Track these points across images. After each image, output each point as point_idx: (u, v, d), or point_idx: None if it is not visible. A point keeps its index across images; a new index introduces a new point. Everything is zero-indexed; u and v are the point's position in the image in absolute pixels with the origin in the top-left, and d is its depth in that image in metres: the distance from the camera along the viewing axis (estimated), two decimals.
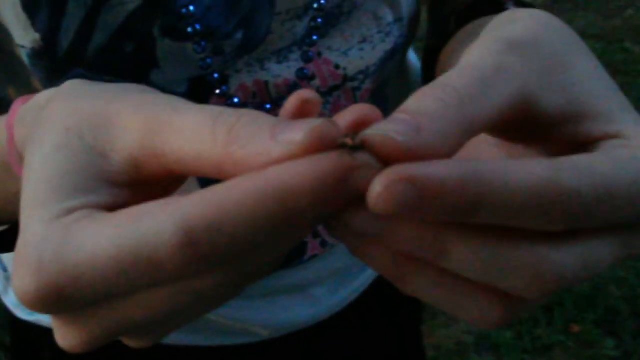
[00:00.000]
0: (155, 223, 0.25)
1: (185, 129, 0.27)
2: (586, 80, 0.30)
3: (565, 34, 0.31)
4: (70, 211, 0.28)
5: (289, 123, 0.26)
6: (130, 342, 0.31)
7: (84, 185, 0.29)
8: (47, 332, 0.72)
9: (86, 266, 0.26)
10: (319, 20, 0.56)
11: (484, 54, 0.28)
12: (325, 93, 0.59)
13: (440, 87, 0.27)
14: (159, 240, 0.25)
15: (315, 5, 0.55)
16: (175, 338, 0.71)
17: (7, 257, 0.75)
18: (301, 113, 0.28)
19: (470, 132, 0.26)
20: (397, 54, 0.62)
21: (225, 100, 0.56)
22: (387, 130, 0.24)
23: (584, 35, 3.15)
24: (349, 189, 0.24)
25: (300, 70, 0.57)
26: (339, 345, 0.79)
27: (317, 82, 0.58)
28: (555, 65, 0.29)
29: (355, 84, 0.60)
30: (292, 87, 0.57)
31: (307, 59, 0.57)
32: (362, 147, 0.25)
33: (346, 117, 0.27)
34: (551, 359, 2.01)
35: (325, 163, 0.24)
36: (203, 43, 0.53)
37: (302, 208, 0.24)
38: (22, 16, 0.50)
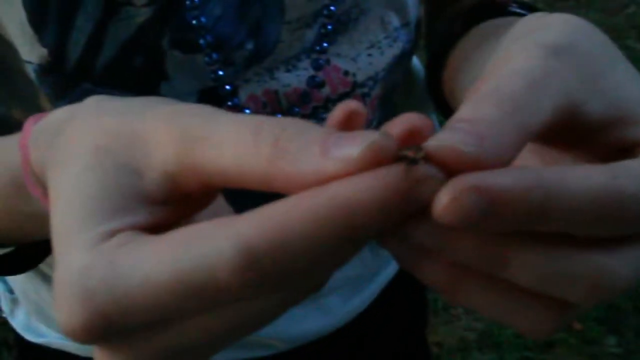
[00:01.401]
0: (212, 246, 0.24)
1: (223, 142, 0.27)
2: (626, 85, 0.30)
3: (601, 39, 0.31)
4: (110, 234, 0.27)
5: (340, 136, 0.25)
6: None
7: (121, 206, 0.28)
8: (56, 354, 0.72)
9: (139, 293, 0.26)
10: (329, 26, 0.56)
11: (530, 59, 0.28)
12: (335, 100, 0.58)
13: (495, 94, 0.26)
14: (217, 264, 0.24)
15: (325, 12, 0.55)
16: None
17: (13, 280, 0.75)
18: (347, 125, 0.28)
19: (525, 139, 0.26)
20: (404, 59, 0.62)
21: (237, 112, 0.55)
22: (451, 141, 0.24)
23: None
24: (413, 201, 0.24)
25: (311, 78, 0.57)
26: (351, 353, 0.79)
27: (327, 89, 0.57)
28: (595, 70, 0.29)
29: (365, 90, 0.59)
30: (302, 96, 0.57)
31: (317, 67, 0.57)
32: (423, 159, 0.24)
33: (397, 127, 0.26)
34: (553, 357, 2.01)
35: (391, 177, 0.23)
36: (214, 55, 0.53)
37: (368, 224, 0.23)
38: (29, 31, 0.49)
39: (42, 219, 0.36)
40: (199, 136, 0.27)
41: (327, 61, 0.57)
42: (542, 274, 0.26)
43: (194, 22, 0.51)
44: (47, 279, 0.68)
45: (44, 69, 0.51)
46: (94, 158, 0.29)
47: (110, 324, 0.26)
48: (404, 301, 0.83)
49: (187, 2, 0.51)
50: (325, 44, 0.56)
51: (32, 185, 0.35)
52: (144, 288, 0.25)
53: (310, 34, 0.56)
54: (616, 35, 3.23)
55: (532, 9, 0.56)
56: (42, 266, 0.67)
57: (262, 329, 0.29)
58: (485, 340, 2.06)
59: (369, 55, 0.58)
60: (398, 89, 0.65)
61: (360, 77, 0.59)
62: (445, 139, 0.24)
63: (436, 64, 0.60)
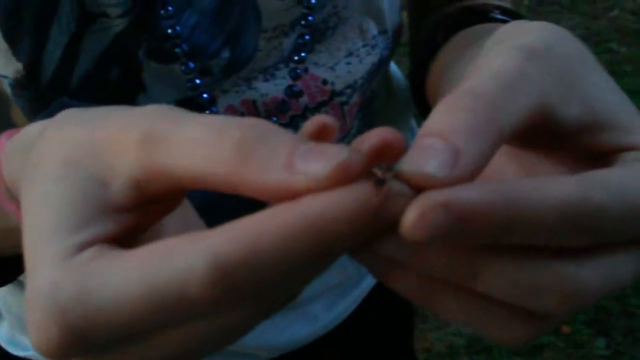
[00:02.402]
0: (185, 260, 0.24)
1: (187, 143, 0.26)
2: (602, 91, 0.30)
3: (577, 45, 0.31)
4: (79, 248, 0.27)
5: (307, 150, 0.24)
6: None
7: (88, 217, 0.28)
8: None
9: (110, 309, 0.25)
10: (307, 36, 0.56)
11: (507, 60, 0.28)
12: (313, 109, 0.58)
13: (469, 95, 0.26)
14: (190, 279, 0.24)
15: (303, 22, 0.55)
16: None
17: None
18: (318, 139, 0.27)
19: (499, 141, 0.26)
20: (383, 66, 0.62)
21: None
22: (425, 166, 0.24)
23: None
24: (382, 218, 0.24)
25: (289, 87, 0.57)
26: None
27: (305, 98, 0.58)
28: (571, 75, 0.29)
29: (343, 98, 0.59)
30: (280, 105, 0.57)
31: (295, 76, 0.57)
32: (392, 177, 0.24)
33: (367, 141, 0.25)
34: None
35: (361, 195, 0.24)
36: (190, 64, 0.53)
37: (338, 240, 0.23)
38: (3, 45, 0.49)
39: (19, 234, 0.36)
40: (162, 138, 0.27)
41: (305, 70, 0.57)
42: (511, 285, 0.26)
43: (169, 31, 0.51)
44: None
45: (19, 84, 0.50)
46: (61, 171, 0.29)
47: (84, 340, 0.26)
48: (387, 308, 0.83)
49: (162, 12, 0.50)
50: (303, 54, 0.56)
51: (5, 201, 0.35)
52: (116, 303, 0.25)
53: (288, 43, 0.56)
54: (600, 38, 3.25)
55: (514, 15, 0.56)
56: (25, 279, 0.67)
57: (239, 339, 0.29)
58: (474, 346, 2.06)
59: (348, 63, 0.59)
60: (377, 96, 0.65)
61: (338, 86, 0.59)
62: (416, 164, 0.24)
63: (419, 70, 0.60)
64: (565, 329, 2.06)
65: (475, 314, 0.27)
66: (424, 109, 0.62)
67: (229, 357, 0.70)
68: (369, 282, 0.78)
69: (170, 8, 0.51)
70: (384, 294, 0.80)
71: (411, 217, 0.23)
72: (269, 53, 0.55)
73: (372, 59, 0.60)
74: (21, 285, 0.68)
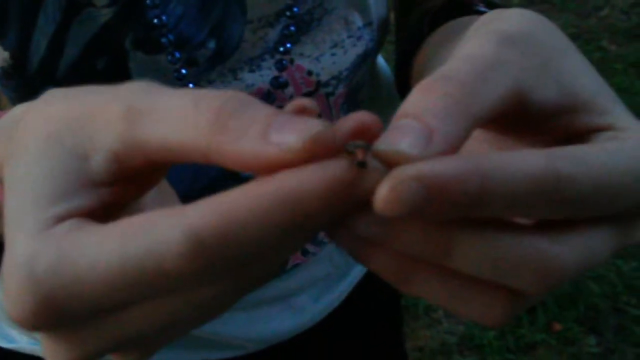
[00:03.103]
0: (161, 233, 0.25)
1: (165, 116, 0.27)
2: (578, 74, 0.30)
3: (554, 30, 0.31)
4: (57, 220, 0.27)
5: (283, 120, 0.25)
6: (121, 357, 0.30)
7: (67, 190, 0.28)
8: (27, 359, 0.72)
9: (87, 280, 0.26)
10: (292, 27, 0.56)
11: (482, 45, 0.28)
12: None
13: (443, 79, 0.27)
14: (167, 251, 0.24)
15: (288, 13, 0.55)
16: (157, 354, 0.71)
17: None
18: None
19: (473, 124, 0.26)
20: (368, 57, 0.63)
21: None
22: (399, 145, 0.24)
23: None
24: (357, 194, 0.24)
25: (275, 78, 0.57)
26: (323, 353, 0.79)
27: (290, 89, 0.58)
28: (547, 59, 0.30)
29: (329, 89, 0.60)
30: (266, 96, 0.57)
31: (281, 67, 0.57)
32: (368, 154, 0.25)
33: (346, 124, 0.26)
34: (534, 358, 2.02)
35: (336, 171, 0.24)
36: (177, 54, 0.53)
37: (313, 215, 0.24)
38: None
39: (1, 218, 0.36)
40: (141, 110, 0.27)
41: (291, 61, 0.57)
42: (484, 261, 0.26)
43: (155, 21, 0.51)
44: None
45: (6, 73, 0.51)
46: (42, 146, 0.29)
47: (59, 311, 0.26)
48: (375, 300, 0.84)
49: (148, 1, 0.51)
50: (288, 45, 0.57)
51: None
52: (92, 275, 0.25)
53: (273, 34, 0.56)
54: (590, 37, 3.26)
55: (499, 8, 0.56)
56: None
57: (216, 317, 0.29)
58: (466, 343, 2.07)
59: (333, 54, 0.59)
60: (363, 88, 0.65)
61: (324, 77, 0.59)
62: (392, 143, 0.24)
63: (404, 62, 0.61)
64: (557, 326, 2.07)
65: (453, 294, 0.28)
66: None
67: (214, 349, 0.71)
68: (356, 274, 0.79)
69: None
70: (371, 286, 0.80)
71: (384, 191, 0.23)
72: (255, 44, 0.55)
73: (357, 50, 0.60)
74: None
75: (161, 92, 0.28)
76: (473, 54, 0.28)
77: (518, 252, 0.26)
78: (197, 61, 0.54)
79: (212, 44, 0.54)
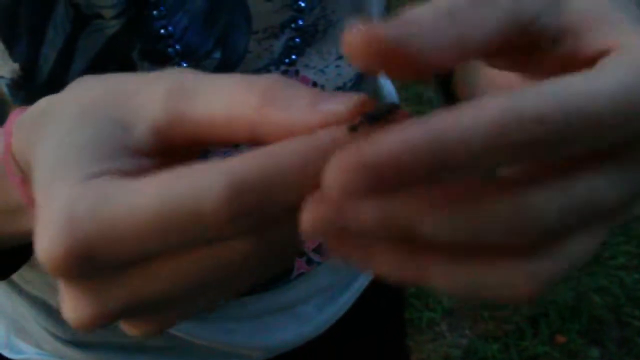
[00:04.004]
0: (203, 177, 0.25)
1: (213, 93, 0.28)
2: None
3: None
4: (99, 175, 0.28)
5: (328, 94, 0.26)
6: (136, 327, 0.30)
7: (110, 153, 0.28)
8: None
9: (125, 223, 0.26)
10: (297, 39, 0.57)
11: None
12: None
13: (430, 10, 0.24)
14: (207, 193, 0.25)
15: (293, 25, 0.56)
16: None
17: None
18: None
19: (465, 52, 0.24)
20: None
21: None
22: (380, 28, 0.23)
23: None
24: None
25: None
26: None
27: None
28: None
29: None
30: None
31: None
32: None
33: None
34: None
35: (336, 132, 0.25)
36: (183, 64, 0.54)
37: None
38: (0, 46, 0.50)
39: (19, 217, 0.36)
40: (189, 87, 0.28)
41: (296, 72, 0.58)
42: (464, 222, 0.24)
43: (162, 31, 0.52)
44: (24, 294, 0.68)
45: (16, 84, 0.51)
46: (80, 117, 0.29)
47: (91, 255, 0.26)
48: (380, 309, 0.84)
49: (155, 12, 0.51)
50: (294, 57, 0.57)
51: (11, 173, 0.35)
52: (130, 218, 0.26)
53: (278, 45, 0.57)
54: None
55: None
56: (20, 282, 0.67)
57: (230, 295, 0.30)
58: (470, 357, 2.06)
59: (337, 66, 0.59)
60: None
61: (328, 88, 0.59)
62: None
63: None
64: (560, 338, 2.07)
65: (463, 272, 0.25)
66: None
67: (222, 358, 0.71)
68: (360, 283, 0.79)
69: (162, 8, 0.52)
70: (375, 296, 0.81)
71: (330, 175, 0.23)
72: (260, 55, 0.56)
73: None
74: (15, 288, 0.69)
75: (208, 75, 0.29)
76: None
77: (494, 206, 0.24)
78: (204, 71, 0.55)
79: (217, 54, 0.55)
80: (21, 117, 0.35)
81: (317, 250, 0.69)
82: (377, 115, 0.26)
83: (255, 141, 0.27)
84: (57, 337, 0.70)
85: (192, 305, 0.30)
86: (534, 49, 0.28)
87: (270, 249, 0.28)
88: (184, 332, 0.68)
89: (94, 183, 0.27)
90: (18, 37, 0.49)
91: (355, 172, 0.22)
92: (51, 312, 0.68)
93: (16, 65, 0.50)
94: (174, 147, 0.30)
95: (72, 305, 0.29)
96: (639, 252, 2.24)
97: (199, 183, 0.25)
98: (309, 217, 0.24)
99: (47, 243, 0.27)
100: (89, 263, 0.27)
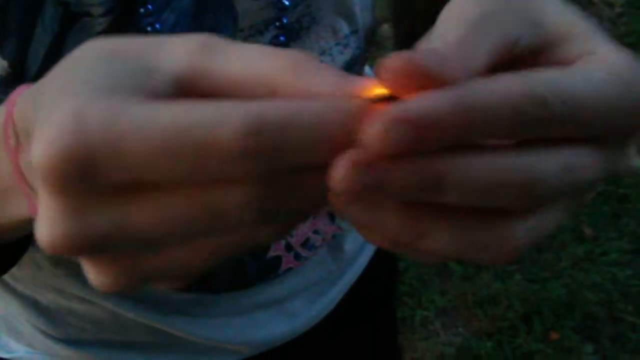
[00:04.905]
0: (222, 107, 0.25)
1: (240, 53, 0.28)
2: (550, 9, 0.31)
3: None
4: (110, 95, 0.27)
5: (356, 76, 0.27)
6: (104, 270, 0.29)
7: (125, 90, 0.27)
8: None
9: (134, 137, 0.25)
10: (282, 37, 0.57)
11: (466, 5, 0.29)
12: None
13: (435, 41, 0.28)
14: (223, 123, 0.25)
15: (277, 23, 0.57)
16: (153, 358, 0.72)
17: None
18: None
19: (470, 71, 0.27)
20: (355, 64, 0.64)
21: None
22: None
23: None
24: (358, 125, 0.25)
25: None
26: (318, 357, 0.80)
27: None
28: (522, 5, 0.30)
29: None
30: None
31: None
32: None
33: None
34: None
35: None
36: None
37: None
38: None
39: (7, 199, 0.35)
40: (215, 46, 0.28)
41: None
42: (475, 184, 0.26)
43: (149, 29, 0.52)
44: (14, 293, 0.69)
45: (5, 81, 0.51)
46: (98, 57, 0.29)
47: (93, 164, 0.25)
48: (369, 304, 0.84)
49: (142, 10, 0.52)
50: None
51: (8, 136, 0.34)
52: (141, 133, 0.25)
53: (263, 42, 0.57)
54: None
55: None
56: (10, 280, 0.67)
57: (221, 254, 0.29)
58: (464, 354, 2.06)
59: (321, 62, 0.60)
60: None
61: None
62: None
63: None
64: (554, 335, 2.07)
65: (462, 233, 0.28)
66: None
67: (210, 354, 0.71)
68: (347, 279, 0.79)
69: (149, 6, 0.52)
70: (365, 290, 0.81)
71: (373, 130, 0.24)
72: None
73: (344, 57, 0.62)
74: (5, 286, 0.69)
75: (232, 41, 0.29)
76: (464, 15, 0.29)
77: (504, 170, 0.27)
78: None
79: None
80: (29, 88, 0.34)
81: (305, 245, 0.69)
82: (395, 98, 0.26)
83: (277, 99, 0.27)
84: (48, 335, 0.70)
85: (169, 259, 0.29)
86: (514, 60, 0.30)
87: (269, 207, 0.27)
88: (173, 328, 0.68)
89: (106, 96, 0.26)
90: (7, 35, 0.50)
91: (400, 127, 0.24)
92: (42, 311, 0.68)
93: (5, 63, 0.50)
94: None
95: (51, 217, 0.27)
96: (632, 248, 2.24)
97: (217, 111, 0.25)
98: (342, 171, 0.25)
99: (47, 143, 0.25)
100: (88, 172, 0.25)
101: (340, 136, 0.25)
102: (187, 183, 0.26)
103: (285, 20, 0.57)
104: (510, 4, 0.30)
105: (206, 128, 0.25)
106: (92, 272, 0.29)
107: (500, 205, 0.27)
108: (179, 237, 0.27)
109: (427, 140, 0.25)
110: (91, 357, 0.71)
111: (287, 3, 0.56)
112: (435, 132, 0.25)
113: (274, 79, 0.27)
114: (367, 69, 0.75)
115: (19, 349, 0.72)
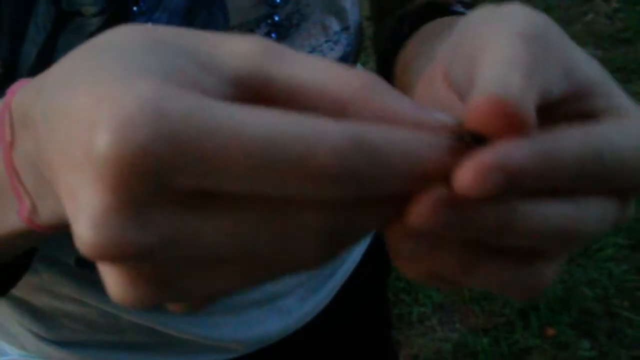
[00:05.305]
0: (322, 124, 0.23)
1: (306, 63, 0.26)
2: (582, 62, 0.31)
3: (553, 24, 0.32)
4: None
5: (429, 106, 0.27)
6: (145, 281, 0.26)
7: (182, 84, 0.24)
8: None
9: (223, 142, 0.22)
10: (273, 35, 0.57)
11: (514, 48, 0.29)
12: None
13: (486, 80, 0.28)
14: (325, 140, 0.23)
15: (269, 21, 0.57)
16: (147, 358, 0.71)
17: None
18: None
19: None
20: (346, 62, 0.64)
21: None
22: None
23: None
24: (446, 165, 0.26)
25: None
26: (312, 354, 0.80)
27: None
28: (555, 51, 0.30)
29: None
30: None
31: None
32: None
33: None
34: None
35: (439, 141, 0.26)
36: None
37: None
38: None
39: None
40: (278, 51, 0.26)
41: None
42: (535, 229, 0.27)
43: None
44: (7, 296, 0.68)
45: None
46: (142, 45, 0.26)
47: (172, 167, 0.22)
48: (363, 301, 0.84)
49: (135, 9, 0.52)
50: None
51: (3, 131, 0.32)
52: (232, 139, 0.22)
53: None
54: (576, 43, 3.27)
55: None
56: None
57: (294, 272, 0.27)
58: (461, 351, 2.07)
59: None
60: None
61: None
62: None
63: (386, 61, 0.62)
64: (550, 331, 2.07)
65: (503, 271, 0.29)
66: None
67: (204, 352, 0.71)
68: (340, 276, 0.80)
69: (142, 5, 0.52)
70: (358, 287, 0.81)
71: (469, 172, 0.25)
72: None
73: (335, 54, 0.62)
74: None
75: (292, 49, 0.27)
76: (509, 59, 0.29)
77: (560, 217, 0.28)
78: None
79: None
80: (33, 79, 0.32)
81: None
82: (475, 135, 0.27)
83: (335, 117, 0.25)
84: (41, 338, 0.70)
85: (215, 276, 0.26)
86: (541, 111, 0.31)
87: (339, 233, 0.26)
88: (167, 327, 0.68)
89: (182, 89, 0.23)
90: (0, 34, 0.49)
91: (496, 174, 0.25)
92: (35, 313, 0.68)
93: None
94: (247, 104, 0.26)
95: (100, 217, 0.23)
96: (628, 243, 2.24)
97: (316, 127, 0.23)
98: (426, 208, 0.26)
99: (121, 131, 0.22)
100: (164, 173, 0.23)
101: (432, 171, 0.25)
102: (265, 198, 0.24)
103: (276, 18, 0.57)
104: (550, 51, 0.30)
105: (304, 143, 0.23)
106: (119, 283, 0.26)
107: (542, 248, 0.29)
108: (237, 254, 0.25)
109: (513, 187, 0.25)
110: (85, 358, 0.71)
111: (277, 0, 0.56)
112: (522, 180, 0.25)
113: (345, 96, 0.26)
114: (358, 65, 0.74)
115: (11, 351, 0.72)
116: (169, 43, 0.26)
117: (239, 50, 0.26)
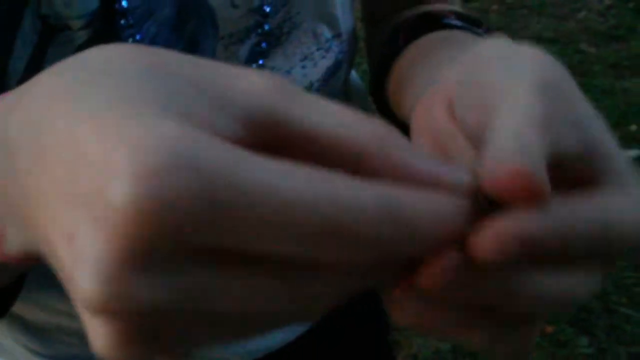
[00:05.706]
0: (357, 189, 0.23)
1: (323, 109, 0.25)
2: (591, 120, 0.31)
3: (565, 73, 0.32)
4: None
5: (447, 163, 0.27)
6: (146, 339, 0.24)
7: (202, 124, 0.23)
8: None
9: (260, 201, 0.21)
10: (263, 44, 0.57)
11: (530, 101, 0.29)
12: None
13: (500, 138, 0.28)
14: (359, 206, 0.22)
15: (259, 30, 0.56)
16: None
17: None
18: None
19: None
20: (338, 69, 0.63)
21: None
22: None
23: (540, 39, 3.18)
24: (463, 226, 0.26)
25: None
26: (311, 359, 0.80)
27: None
28: (567, 106, 0.30)
29: None
30: None
31: None
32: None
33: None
34: None
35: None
36: None
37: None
38: None
39: None
40: (295, 93, 0.25)
41: None
42: (541, 296, 0.28)
43: (130, 40, 0.52)
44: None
45: None
46: (141, 71, 0.24)
47: (201, 223, 0.21)
48: (361, 308, 0.84)
49: (123, 22, 0.51)
50: (261, 61, 0.57)
51: None
52: (274, 195, 0.21)
53: (244, 50, 0.57)
54: (568, 40, 3.28)
55: (469, 20, 0.58)
56: None
57: (292, 323, 0.26)
58: (459, 350, 2.07)
59: (303, 67, 0.60)
60: (335, 100, 0.66)
61: None
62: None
63: (379, 73, 0.62)
64: (549, 328, 2.07)
65: (498, 333, 0.30)
66: (382, 108, 0.63)
67: None
68: None
69: (130, 18, 0.51)
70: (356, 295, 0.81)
71: (488, 239, 0.25)
72: (227, 59, 0.56)
73: (326, 62, 0.61)
74: None
75: (303, 90, 0.26)
76: (527, 112, 0.29)
77: (558, 288, 0.28)
78: None
79: None
80: (2, 97, 0.31)
81: None
82: (490, 198, 0.27)
83: (345, 164, 0.25)
84: (35, 352, 0.70)
85: (215, 332, 0.25)
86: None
87: (351, 293, 0.26)
88: None
89: (206, 133, 0.22)
90: None
91: (513, 244, 0.25)
92: (29, 328, 0.68)
93: None
94: (254, 146, 0.24)
95: (107, 272, 0.21)
96: None
97: (352, 192, 0.22)
98: (438, 272, 0.26)
99: (148, 179, 0.20)
100: (192, 229, 0.21)
101: (448, 235, 0.25)
102: (285, 259, 0.23)
103: (267, 27, 0.56)
104: (562, 109, 0.30)
105: (341, 209, 0.22)
106: (110, 337, 0.23)
107: (534, 312, 0.29)
108: (248, 311, 0.24)
109: (525, 256, 0.26)
110: None
111: (267, 9, 0.56)
112: (536, 250, 0.26)
113: (360, 147, 0.25)
114: (353, 73, 0.74)
115: None
116: (175, 71, 0.25)
117: (255, 89, 0.24)
